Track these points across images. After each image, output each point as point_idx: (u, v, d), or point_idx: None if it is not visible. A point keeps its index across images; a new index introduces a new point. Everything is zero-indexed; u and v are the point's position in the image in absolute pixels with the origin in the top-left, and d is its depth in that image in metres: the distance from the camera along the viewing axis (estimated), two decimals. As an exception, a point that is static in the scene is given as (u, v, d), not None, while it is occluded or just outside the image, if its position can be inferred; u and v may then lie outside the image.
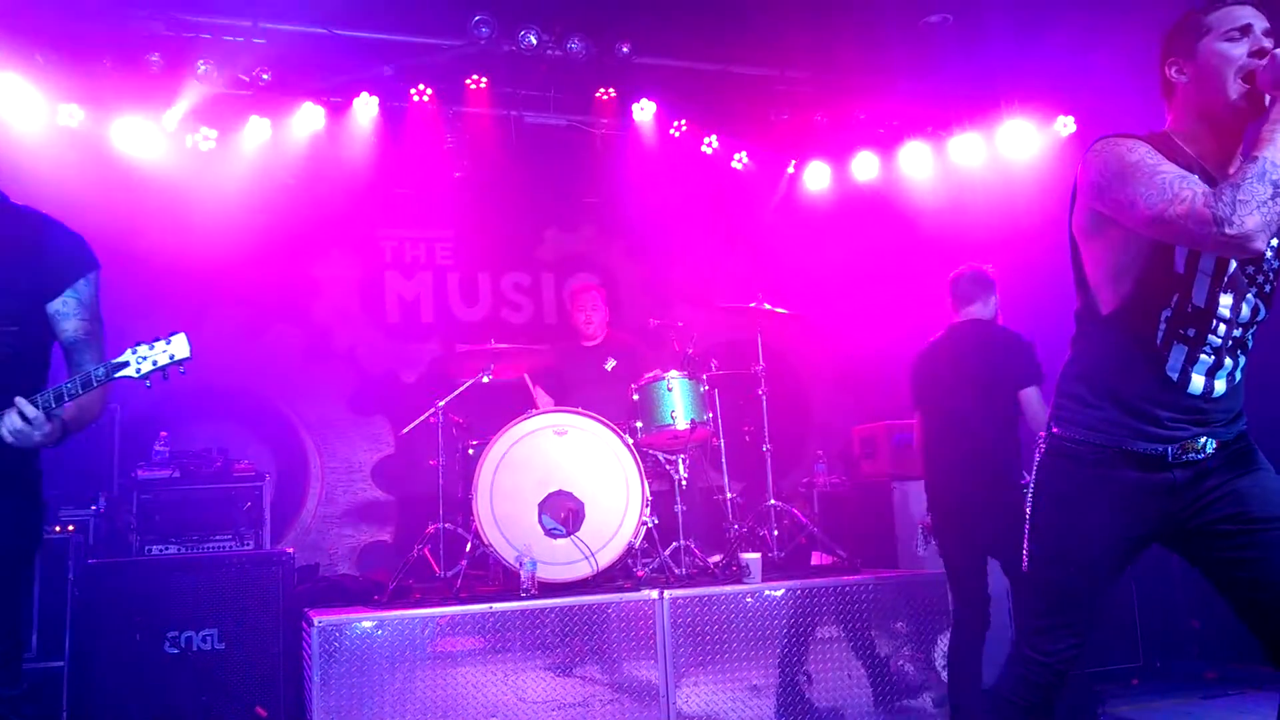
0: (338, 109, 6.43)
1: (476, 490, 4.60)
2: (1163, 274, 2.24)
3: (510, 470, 4.65)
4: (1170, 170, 2.13)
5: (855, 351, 7.36)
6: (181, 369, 2.49)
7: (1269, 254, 2.29)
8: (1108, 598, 2.45)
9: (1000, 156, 6.81)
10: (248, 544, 4.85)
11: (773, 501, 5.26)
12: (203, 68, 5.88)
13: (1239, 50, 2.20)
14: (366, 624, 4.00)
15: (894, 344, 7.10)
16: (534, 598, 4.28)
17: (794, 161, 7.52)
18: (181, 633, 4.29)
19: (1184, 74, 2.28)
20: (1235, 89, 2.19)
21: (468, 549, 4.69)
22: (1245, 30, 2.21)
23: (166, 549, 4.68)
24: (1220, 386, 2.29)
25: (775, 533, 5.20)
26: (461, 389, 5.22)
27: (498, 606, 4.17)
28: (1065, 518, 2.39)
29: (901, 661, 4.58)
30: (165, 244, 6.06)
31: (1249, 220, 2.00)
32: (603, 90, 6.78)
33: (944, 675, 4.56)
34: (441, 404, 5.15)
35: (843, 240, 7.34)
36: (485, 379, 5.19)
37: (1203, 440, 2.29)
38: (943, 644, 4.60)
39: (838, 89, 6.81)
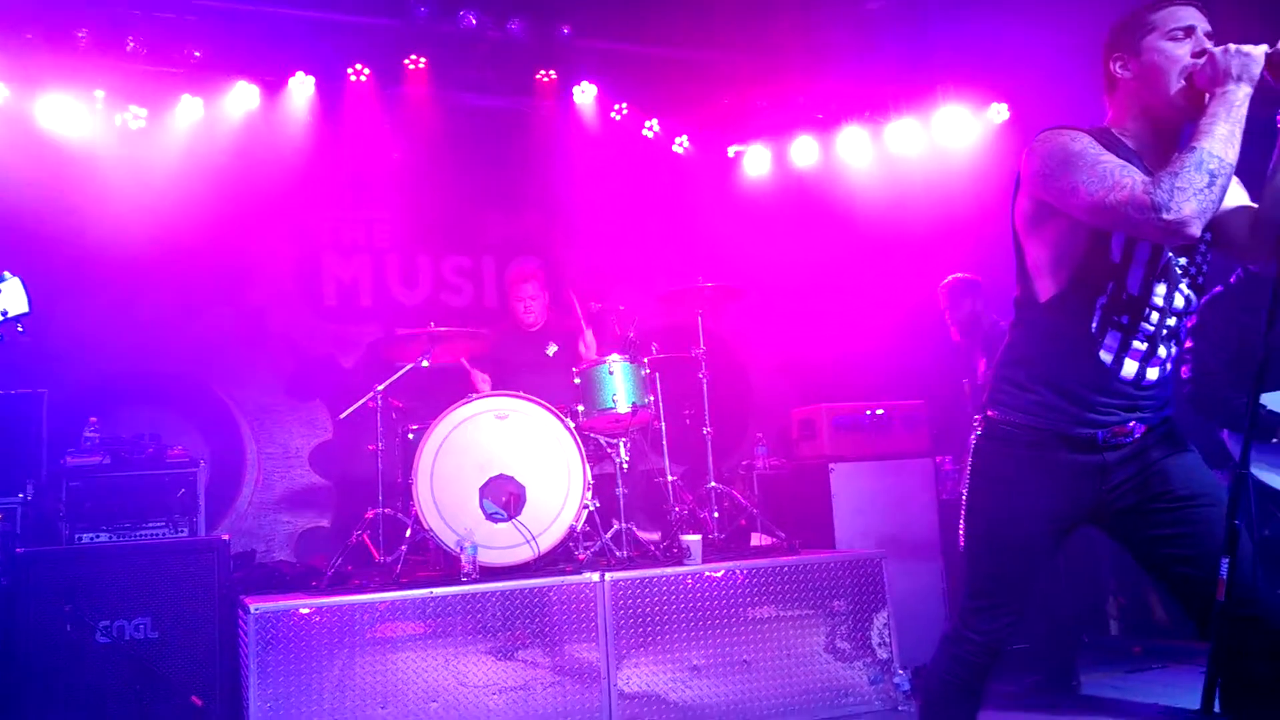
0: (272, 88, 6.32)
1: (416, 475, 4.57)
2: (1100, 262, 2.31)
3: (451, 455, 4.63)
4: (1111, 160, 2.21)
5: (795, 335, 7.43)
6: (19, 327, 2.05)
7: (1202, 246, 2.37)
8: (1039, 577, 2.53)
9: (937, 142, 6.90)
10: (181, 531, 4.76)
11: (713, 484, 5.31)
12: (132, 44, 5.73)
13: (1182, 50, 2.27)
14: (304, 610, 3.97)
15: (833, 328, 7.21)
16: (475, 582, 4.27)
17: (735, 146, 7.56)
18: (113, 622, 4.20)
19: (1128, 70, 2.35)
20: (1177, 88, 2.27)
21: (407, 534, 4.66)
22: (1189, 31, 2.29)
23: (97, 537, 4.57)
24: (1153, 374, 2.36)
25: (716, 515, 5.25)
26: (400, 373, 5.17)
27: (438, 591, 4.15)
28: (1001, 499, 2.46)
29: (839, 640, 4.66)
30: (94, 225, 5.91)
31: (1186, 206, 2.07)
32: (543, 72, 6.74)
33: (880, 653, 4.66)
34: (380, 388, 5.10)
35: (783, 225, 7.39)
36: (424, 363, 5.15)
37: (1131, 424, 2.37)
38: (879, 621, 4.69)
39: (777, 72, 6.84)
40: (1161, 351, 2.37)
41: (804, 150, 7.35)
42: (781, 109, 7.18)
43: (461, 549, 4.39)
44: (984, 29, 5.82)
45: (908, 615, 5.01)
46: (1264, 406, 3.85)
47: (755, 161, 7.53)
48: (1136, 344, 2.34)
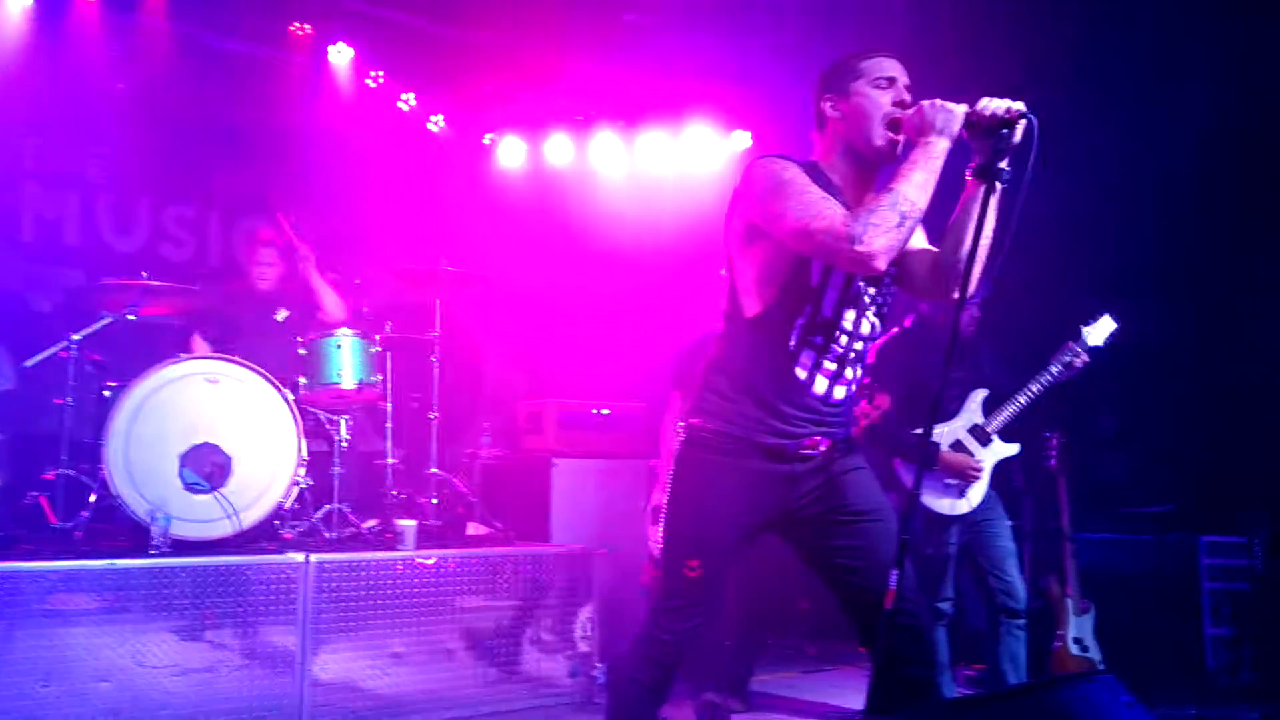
0: (-20, -9, 5.64)
1: (109, 436, 4.21)
2: (800, 285, 2.49)
3: (151, 417, 4.30)
4: (817, 191, 2.39)
5: (532, 330, 7.48)
6: None
7: (887, 279, 2.58)
8: (727, 580, 2.68)
9: (685, 162, 7.19)
10: None
11: (435, 470, 5.24)
12: None
13: (885, 98, 2.49)
14: (-43, 577, 3.56)
15: (569, 327, 7.32)
16: (165, 555, 3.99)
17: (490, 134, 7.51)
18: None
19: (836, 111, 2.55)
20: (878, 132, 2.48)
21: (92, 499, 4.29)
22: (891, 82, 2.51)
23: None
24: (840, 393, 2.57)
25: (435, 501, 5.19)
26: (101, 324, 4.75)
27: (121, 563, 3.84)
28: (699, 503, 2.58)
29: (544, 632, 4.73)
30: None
31: (876, 241, 2.26)
32: (298, 25, 6.43)
33: (581, 646, 4.77)
34: (76, 337, 4.66)
35: (532, 220, 7.41)
36: (131, 316, 4.76)
37: (818, 438, 2.55)
38: (584, 616, 4.80)
39: (538, 66, 6.86)
40: (849, 373, 2.58)
41: (559, 148, 7.41)
42: (540, 104, 7.22)
43: (153, 519, 4.09)
44: (731, 57, 6.13)
45: (612, 610, 5.16)
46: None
47: (510, 152, 7.51)
48: (828, 363, 2.53)
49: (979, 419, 4.35)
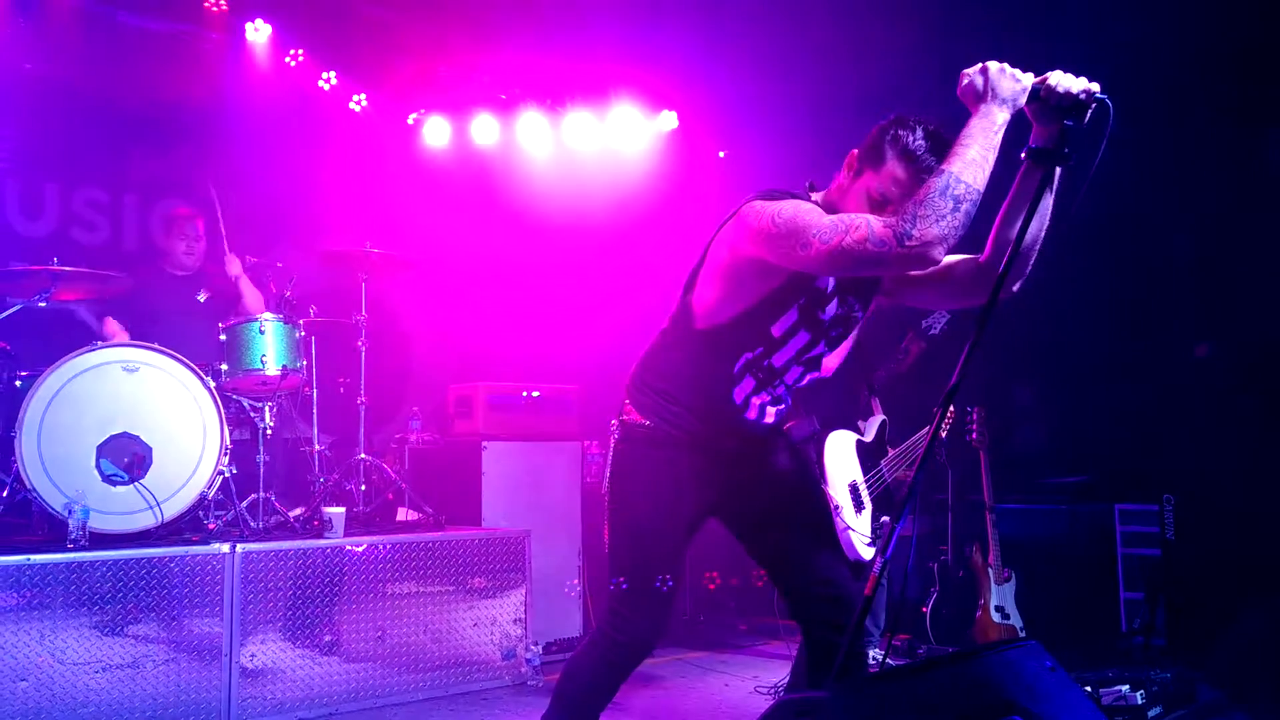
0: None
1: (22, 427, 4.07)
2: (761, 328, 2.44)
3: (66, 407, 4.17)
4: (831, 215, 2.25)
5: (460, 312, 7.41)
6: None
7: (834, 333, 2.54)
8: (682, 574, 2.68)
9: (611, 142, 7.17)
10: None
11: (363, 456, 5.18)
12: None
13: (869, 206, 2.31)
14: None
15: (498, 309, 7.27)
16: (83, 549, 3.89)
17: (415, 114, 7.40)
18: None
19: (849, 174, 2.39)
20: None
21: (5, 494, 4.16)
22: (882, 200, 2.30)
23: None
24: (770, 416, 2.60)
25: (363, 488, 5.14)
26: (10, 311, 4.58)
27: (37, 558, 3.74)
28: (646, 498, 2.55)
29: (477, 616, 4.72)
30: None
31: (929, 231, 2.06)
32: (213, 1, 6.24)
33: (515, 629, 4.77)
34: (-16, 327, 4.49)
35: (459, 200, 7.32)
36: (41, 303, 4.60)
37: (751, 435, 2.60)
38: (517, 598, 4.80)
39: (461, 45, 6.77)
40: (782, 405, 2.62)
41: (484, 128, 7.32)
42: (464, 83, 7.13)
43: (71, 513, 3.98)
44: (656, 37, 6.11)
45: (545, 590, 5.19)
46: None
47: (435, 132, 7.40)
48: (764, 394, 2.55)
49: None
